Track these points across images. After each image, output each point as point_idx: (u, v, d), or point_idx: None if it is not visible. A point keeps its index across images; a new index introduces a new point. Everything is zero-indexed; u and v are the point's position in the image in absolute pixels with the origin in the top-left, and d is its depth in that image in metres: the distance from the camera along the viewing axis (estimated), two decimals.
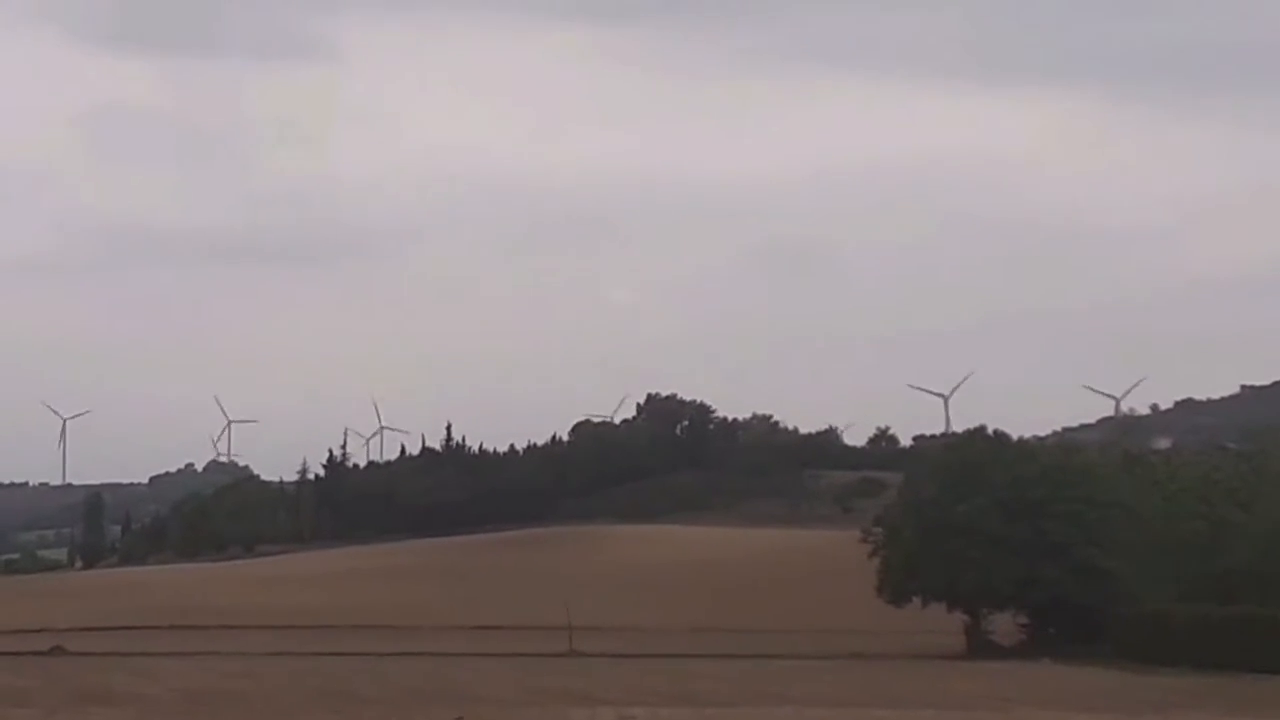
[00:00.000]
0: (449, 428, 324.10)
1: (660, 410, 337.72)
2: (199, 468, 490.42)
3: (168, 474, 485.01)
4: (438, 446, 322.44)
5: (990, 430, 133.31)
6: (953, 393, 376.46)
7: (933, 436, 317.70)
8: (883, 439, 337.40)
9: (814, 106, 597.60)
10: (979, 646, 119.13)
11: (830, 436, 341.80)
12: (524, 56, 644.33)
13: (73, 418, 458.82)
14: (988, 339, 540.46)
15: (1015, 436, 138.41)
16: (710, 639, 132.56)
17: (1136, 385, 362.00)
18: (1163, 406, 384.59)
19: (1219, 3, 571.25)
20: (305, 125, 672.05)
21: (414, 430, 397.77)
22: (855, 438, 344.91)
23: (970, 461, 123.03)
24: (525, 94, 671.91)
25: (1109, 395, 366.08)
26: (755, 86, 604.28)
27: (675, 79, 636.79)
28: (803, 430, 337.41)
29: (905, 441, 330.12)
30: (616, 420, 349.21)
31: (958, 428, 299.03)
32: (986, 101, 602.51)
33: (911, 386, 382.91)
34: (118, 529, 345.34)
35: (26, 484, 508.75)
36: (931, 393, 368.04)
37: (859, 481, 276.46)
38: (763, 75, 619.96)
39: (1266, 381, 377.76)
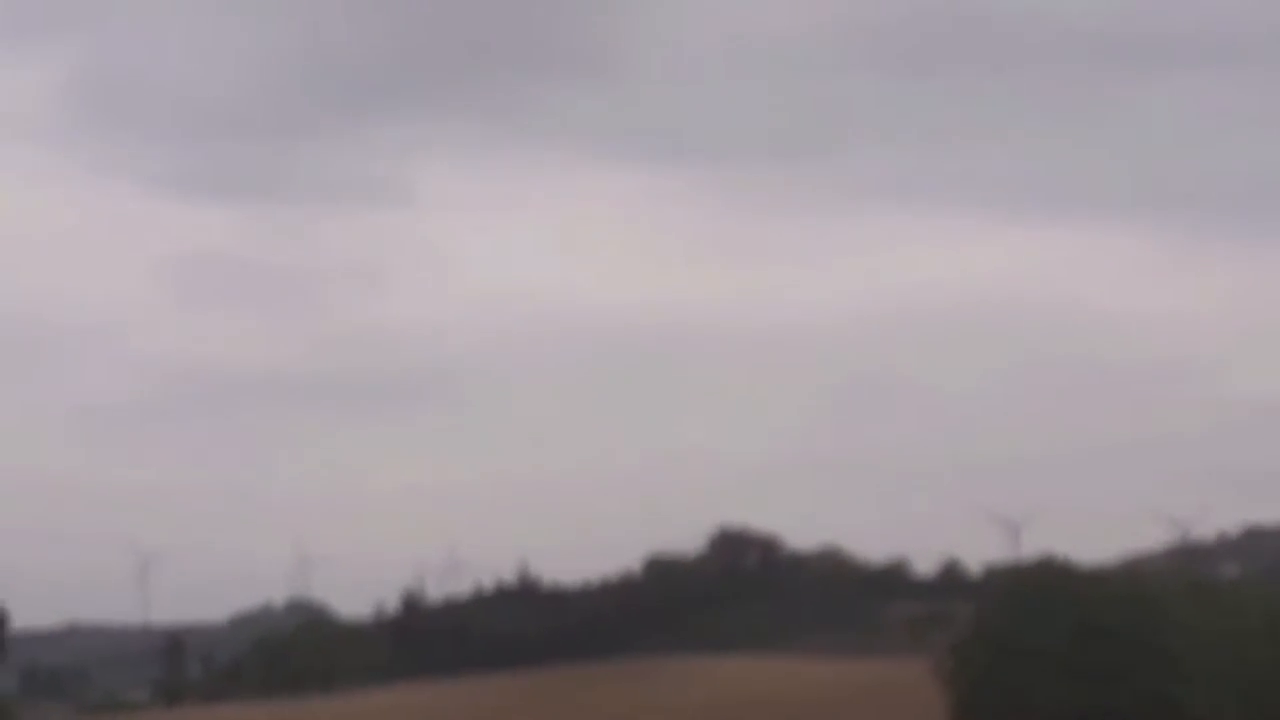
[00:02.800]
0: (524, 564, 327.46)
1: (730, 543, 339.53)
2: (278, 607, 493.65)
3: (247, 613, 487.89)
4: (512, 582, 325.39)
5: (1058, 558, 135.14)
6: (1023, 522, 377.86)
7: (1002, 566, 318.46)
8: (952, 569, 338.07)
9: (889, 242, 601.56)
10: None
11: (899, 567, 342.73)
12: (590, 196, 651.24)
13: (150, 559, 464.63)
14: (1054, 470, 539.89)
15: (1083, 564, 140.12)
16: None
17: (1203, 511, 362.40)
18: (1230, 533, 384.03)
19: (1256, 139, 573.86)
20: (378, 267, 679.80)
21: (488, 567, 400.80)
22: (924, 568, 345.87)
23: (1039, 589, 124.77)
24: (592, 234, 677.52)
25: (1177, 521, 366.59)
26: (832, 222, 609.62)
27: (748, 215, 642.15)
28: (872, 561, 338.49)
29: (975, 572, 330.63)
30: (688, 554, 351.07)
31: (1026, 557, 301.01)
32: (1055, 237, 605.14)
33: (982, 511, 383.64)
34: (198, 668, 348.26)
35: (108, 624, 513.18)
36: (1001, 519, 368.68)
37: (929, 612, 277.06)
38: (840, 211, 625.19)
39: None
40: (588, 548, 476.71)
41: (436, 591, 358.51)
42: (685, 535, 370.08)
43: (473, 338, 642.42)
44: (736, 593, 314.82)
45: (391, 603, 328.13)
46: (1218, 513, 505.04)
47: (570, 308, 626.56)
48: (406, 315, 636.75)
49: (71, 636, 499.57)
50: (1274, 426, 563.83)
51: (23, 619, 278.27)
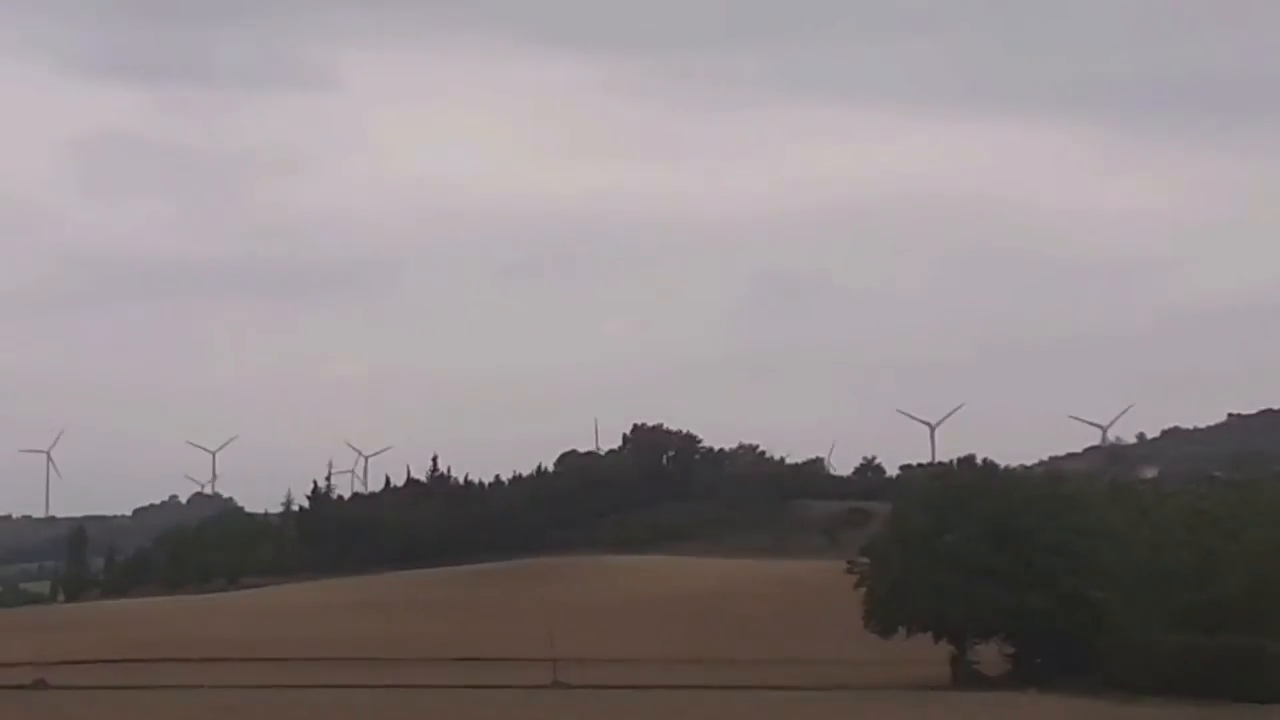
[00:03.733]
0: (435, 459, 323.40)
1: (646, 441, 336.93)
2: (183, 500, 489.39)
3: (151, 506, 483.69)
4: (423, 478, 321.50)
5: (978, 460, 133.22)
6: (940, 422, 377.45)
7: (920, 466, 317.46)
8: (869, 469, 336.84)
9: (809, 140, 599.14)
10: (964, 677, 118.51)
11: (817, 466, 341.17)
12: (521, 87, 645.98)
13: (55, 449, 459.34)
14: (977, 369, 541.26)
15: (1002, 466, 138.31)
16: (695, 670, 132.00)
17: (1123, 414, 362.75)
18: (1150, 436, 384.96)
19: (1211, 37, 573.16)
20: (297, 154, 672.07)
21: (399, 461, 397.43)
22: (842, 467, 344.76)
23: (957, 491, 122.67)
24: (522, 124, 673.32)
25: (1096, 424, 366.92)
26: (749, 120, 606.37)
27: (671, 112, 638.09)
28: (789, 460, 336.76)
29: (892, 471, 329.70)
30: (602, 451, 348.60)
31: (945, 457, 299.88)
32: (985, 133, 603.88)
33: (900, 412, 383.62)
34: (101, 562, 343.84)
35: (9, 516, 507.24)
36: (919, 420, 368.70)
37: (846, 511, 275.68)
38: (757, 108, 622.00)
39: (1253, 410, 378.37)
40: (502, 443, 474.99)
41: (345, 486, 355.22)
42: (601, 431, 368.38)
43: (393, 228, 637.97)
44: (652, 491, 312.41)
45: (299, 496, 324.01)
46: (1138, 416, 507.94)
47: (490, 199, 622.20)
48: (326, 203, 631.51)
49: None
50: (1197, 330, 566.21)
51: None
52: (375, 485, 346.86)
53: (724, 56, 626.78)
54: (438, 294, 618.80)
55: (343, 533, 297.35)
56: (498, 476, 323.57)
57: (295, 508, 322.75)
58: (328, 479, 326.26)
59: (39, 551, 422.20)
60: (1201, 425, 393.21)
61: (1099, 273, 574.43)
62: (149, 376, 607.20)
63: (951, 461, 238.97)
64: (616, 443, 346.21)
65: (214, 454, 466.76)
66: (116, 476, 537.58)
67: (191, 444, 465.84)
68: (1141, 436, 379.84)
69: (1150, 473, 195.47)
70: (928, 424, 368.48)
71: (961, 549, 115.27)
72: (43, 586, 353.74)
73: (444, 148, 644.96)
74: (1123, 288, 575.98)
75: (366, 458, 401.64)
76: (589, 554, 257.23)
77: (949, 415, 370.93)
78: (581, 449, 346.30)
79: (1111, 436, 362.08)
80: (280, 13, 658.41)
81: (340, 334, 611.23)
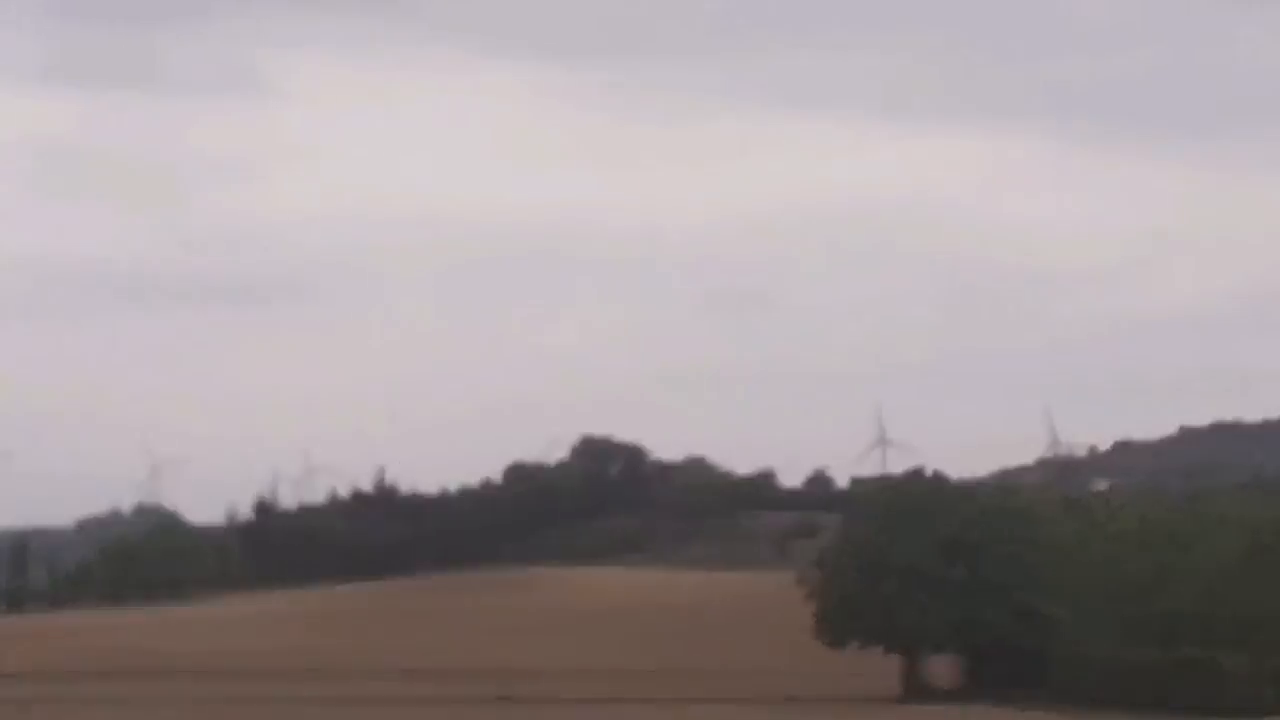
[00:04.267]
0: (381, 471, 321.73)
1: (594, 452, 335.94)
2: (125, 512, 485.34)
3: (94, 518, 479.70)
4: (369, 490, 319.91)
5: (929, 472, 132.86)
6: (892, 434, 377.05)
7: (870, 478, 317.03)
8: (819, 481, 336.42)
9: (759, 151, 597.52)
10: (916, 689, 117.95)
11: (766, 479, 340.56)
12: (468, 94, 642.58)
13: None
14: (926, 380, 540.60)
15: (953, 478, 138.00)
16: (645, 682, 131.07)
17: (1073, 425, 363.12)
18: (1101, 448, 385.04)
19: (1164, 44, 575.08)
20: (239, 162, 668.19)
21: (345, 473, 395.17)
22: (791, 479, 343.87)
23: (908, 503, 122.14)
24: (469, 133, 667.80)
25: (1046, 436, 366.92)
26: (701, 130, 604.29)
27: (622, 120, 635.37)
28: (738, 472, 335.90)
29: (842, 483, 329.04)
30: (551, 462, 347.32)
31: (896, 469, 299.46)
32: (936, 142, 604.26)
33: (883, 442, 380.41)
34: (43, 574, 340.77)
35: None
36: (889, 441, 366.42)
37: (796, 523, 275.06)
38: (721, 114, 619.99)
39: (1204, 423, 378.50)
40: (448, 455, 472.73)
41: (290, 498, 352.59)
42: (549, 444, 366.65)
43: (337, 237, 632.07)
44: (600, 503, 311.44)
45: (244, 509, 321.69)
46: (1089, 427, 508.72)
47: (438, 208, 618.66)
48: (269, 212, 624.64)
49: None
50: (1148, 341, 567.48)
51: None
52: (321, 497, 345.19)
53: (674, 66, 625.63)
54: (382, 304, 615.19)
55: (288, 545, 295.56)
56: (445, 488, 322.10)
57: (240, 520, 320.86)
58: (273, 491, 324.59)
59: None
60: (1153, 437, 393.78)
61: (1051, 282, 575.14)
62: (90, 385, 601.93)
63: (903, 473, 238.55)
64: (565, 454, 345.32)
65: (156, 466, 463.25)
66: (58, 487, 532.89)
67: (134, 455, 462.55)
68: (1092, 449, 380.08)
69: (1102, 485, 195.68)
70: (878, 434, 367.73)
71: (913, 561, 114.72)
72: None
73: (389, 157, 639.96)
74: (1075, 297, 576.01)
75: (311, 470, 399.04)
76: (538, 566, 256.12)
77: (899, 427, 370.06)
78: (529, 460, 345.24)
79: (1062, 448, 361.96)
80: (223, 19, 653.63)
81: (285, 344, 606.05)
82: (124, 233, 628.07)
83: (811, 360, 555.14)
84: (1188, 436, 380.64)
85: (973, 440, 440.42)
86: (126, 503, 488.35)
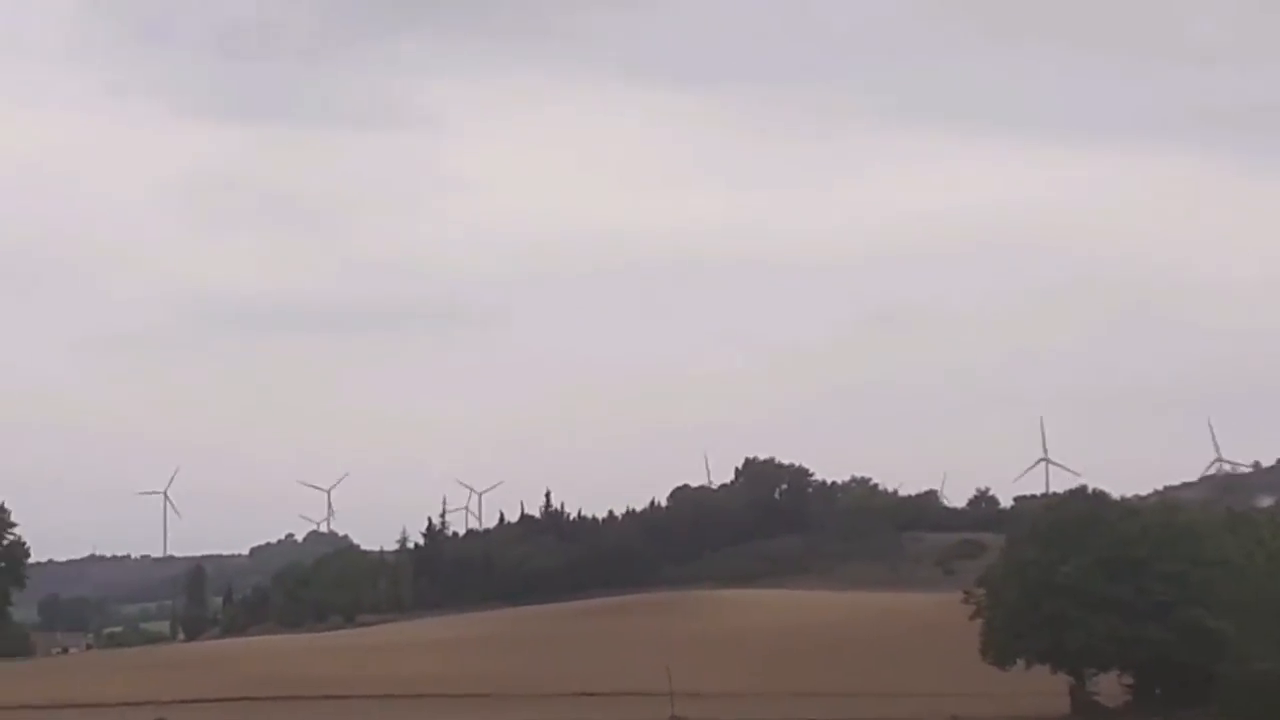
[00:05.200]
0: (548, 495, 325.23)
1: (758, 474, 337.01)
2: (299, 538, 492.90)
3: (268, 545, 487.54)
4: (536, 514, 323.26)
5: (1090, 489, 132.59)
6: (1053, 453, 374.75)
7: (1033, 497, 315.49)
8: (983, 500, 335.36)
9: (912, 167, 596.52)
10: (1084, 708, 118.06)
11: (930, 498, 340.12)
12: (620, 122, 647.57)
13: (171, 489, 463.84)
14: (1088, 398, 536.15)
15: (1116, 495, 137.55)
16: (812, 703, 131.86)
17: (1236, 442, 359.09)
18: (1265, 463, 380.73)
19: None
20: (400, 192, 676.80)
21: (512, 497, 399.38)
22: (955, 499, 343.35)
23: (1072, 521, 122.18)
24: (622, 160, 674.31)
25: (1210, 454, 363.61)
26: (850, 149, 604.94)
27: (771, 143, 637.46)
28: (902, 492, 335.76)
29: (1006, 503, 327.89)
30: (714, 485, 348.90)
31: (1058, 488, 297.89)
32: (1094, 159, 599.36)
33: (1047, 461, 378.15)
34: (219, 600, 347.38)
35: (128, 557, 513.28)
36: (1065, 468, 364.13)
37: (959, 543, 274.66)
38: (868, 133, 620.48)
39: None
40: (614, 478, 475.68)
41: (459, 522, 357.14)
42: (713, 466, 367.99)
43: (498, 264, 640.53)
44: (764, 524, 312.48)
45: (414, 534, 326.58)
46: (1253, 443, 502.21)
47: (597, 235, 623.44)
48: (429, 240, 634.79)
49: (92, 568, 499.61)
50: None
51: (43, 551, 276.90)
52: (490, 522, 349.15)
53: (819, 87, 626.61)
54: (546, 329, 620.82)
55: (458, 569, 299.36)
56: (611, 511, 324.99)
57: (410, 545, 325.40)
58: (442, 516, 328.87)
59: (158, 591, 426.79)
60: None
61: (1212, 297, 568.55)
62: (261, 415, 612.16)
63: (1065, 492, 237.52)
64: (728, 477, 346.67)
65: (328, 492, 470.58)
66: (233, 516, 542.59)
67: (304, 484, 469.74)
68: (1257, 464, 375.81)
69: (1267, 501, 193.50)
70: (1043, 460, 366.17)
71: (1078, 580, 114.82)
72: (162, 626, 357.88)
73: (544, 184, 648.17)
74: (1236, 313, 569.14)
75: (480, 494, 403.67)
76: (702, 588, 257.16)
77: (1062, 446, 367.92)
78: (693, 483, 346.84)
79: (1226, 465, 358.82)
80: (378, 52, 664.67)
81: (450, 371, 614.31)
82: (288, 262, 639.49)
83: (972, 379, 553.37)
84: None
85: (1135, 458, 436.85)
86: (299, 530, 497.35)
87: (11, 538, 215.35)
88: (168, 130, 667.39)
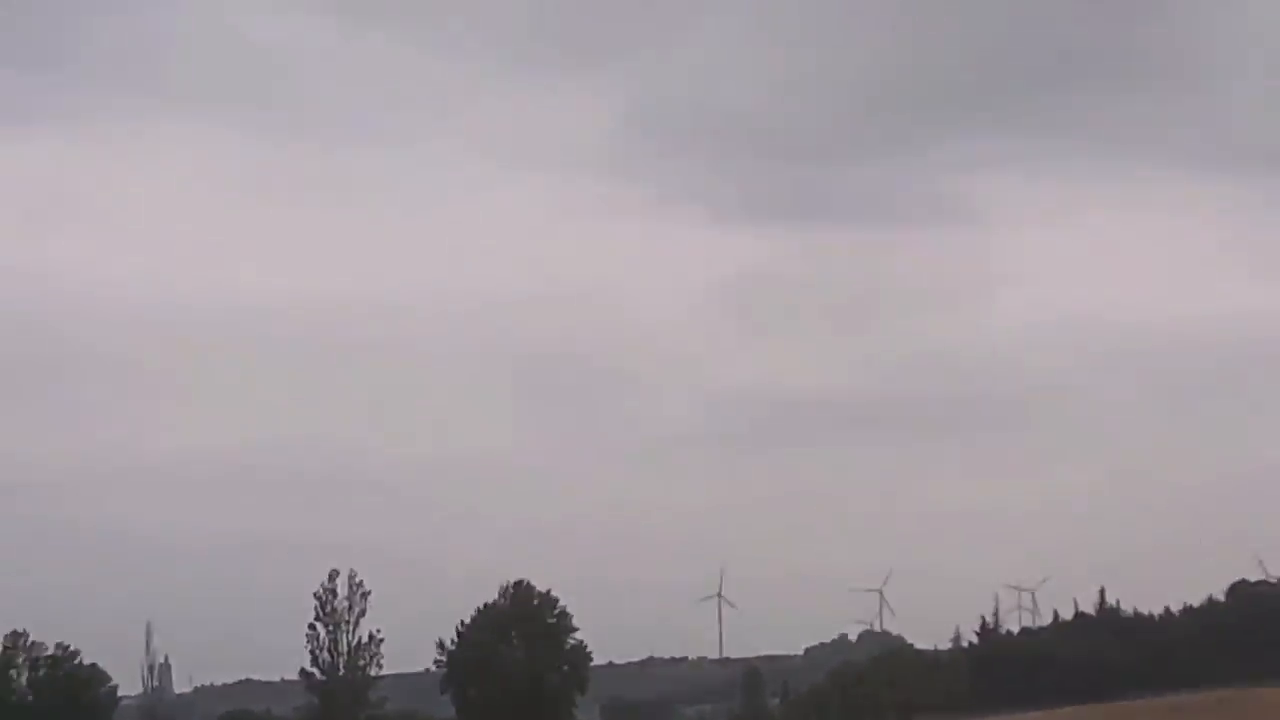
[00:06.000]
0: (1101, 591, 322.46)
1: None
2: (852, 638, 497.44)
3: (821, 645, 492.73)
4: (1090, 610, 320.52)
5: None
6: None
7: None
8: None
9: None
10: None
11: None
12: (1167, 210, 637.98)
13: (725, 590, 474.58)
14: None
15: None
16: None
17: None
18: None
19: None
20: (943, 288, 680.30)
21: (1065, 594, 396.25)
22: None
23: None
24: (1178, 245, 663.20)
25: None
26: None
27: None
28: None
29: None
30: (1274, 580, 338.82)
31: None
32: None
33: None
34: (775, 700, 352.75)
35: (687, 658, 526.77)
36: None
37: None
38: None
39: None
40: (1169, 575, 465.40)
41: (1013, 620, 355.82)
42: (1273, 559, 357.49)
43: (1047, 359, 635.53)
44: None
45: (967, 631, 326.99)
46: None
47: (1149, 326, 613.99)
48: (976, 337, 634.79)
49: (649, 670, 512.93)
50: None
51: (604, 654, 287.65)
52: (1044, 617, 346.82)
53: None
54: (1096, 423, 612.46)
55: (1011, 667, 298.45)
56: (1167, 608, 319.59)
57: (964, 643, 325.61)
58: (995, 613, 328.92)
59: (715, 692, 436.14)
60: None
61: None
62: (807, 515, 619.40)
63: None
64: None
65: (880, 590, 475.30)
66: (786, 617, 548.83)
67: (854, 589, 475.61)
68: None
69: None
70: None
71: None
72: None
73: (1091, 275, 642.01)
74: None
75: (1032, 593, 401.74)
76: (1262, 687, 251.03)
77: None
78: (1251, 579, 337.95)
79: None
80: (911, 146, 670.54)
81: (1000, 467, 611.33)
82: (831, 360, 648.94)
83: None
84: None
85: None
86: (853, 630, 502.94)
87: (574, 641, 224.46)
88: (711, 236, 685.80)
